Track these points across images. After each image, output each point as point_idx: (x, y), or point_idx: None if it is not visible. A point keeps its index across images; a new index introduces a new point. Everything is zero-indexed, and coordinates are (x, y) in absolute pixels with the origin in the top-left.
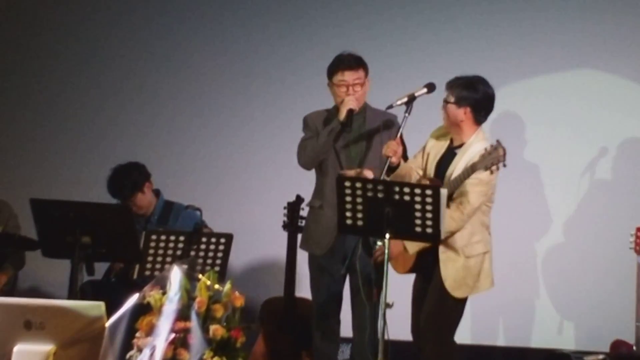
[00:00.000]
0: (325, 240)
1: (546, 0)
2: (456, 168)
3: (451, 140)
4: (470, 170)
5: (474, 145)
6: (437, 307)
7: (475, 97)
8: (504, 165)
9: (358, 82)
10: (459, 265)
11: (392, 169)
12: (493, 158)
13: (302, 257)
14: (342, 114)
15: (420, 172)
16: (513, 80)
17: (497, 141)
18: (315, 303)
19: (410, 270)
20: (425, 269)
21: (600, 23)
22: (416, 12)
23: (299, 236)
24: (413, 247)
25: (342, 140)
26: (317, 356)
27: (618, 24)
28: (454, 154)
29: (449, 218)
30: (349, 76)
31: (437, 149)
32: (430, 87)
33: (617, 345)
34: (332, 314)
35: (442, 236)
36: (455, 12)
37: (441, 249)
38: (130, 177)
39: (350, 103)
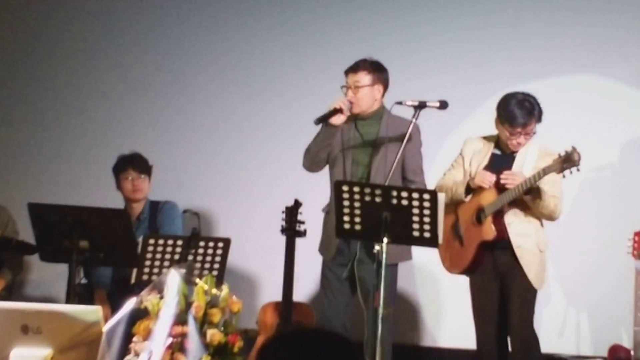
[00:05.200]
0: (331, 245)
1: (547, 6)
2: (522, 169)
3: (496, 146)
4: (543, 173)
5: (531, 146)
6: (526, 303)
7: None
8: (578, 170)
9: (357, 84)
10: (537, 259)
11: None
12: (568, 163)
13: (300, 262)
14: (328, 109)
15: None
16: (513, 84)
17: (573, 147)
18: (323, 306)
19: (466, 271)
20: (491, 269)
21: (602, 28)
22: (415, 16)
23: (297, 241)
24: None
25: (351, 146)
26: None
27: (620, 29)
28: (511, 158)
29: (553, 198)
30: (349, 78)
31: (478, 156)
32: (443, 104)
33: (615, 350)
34: (337, 318)
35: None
36: (454, 17)
37: (514, 244)
38: (147, 161)
39: (338, 103)
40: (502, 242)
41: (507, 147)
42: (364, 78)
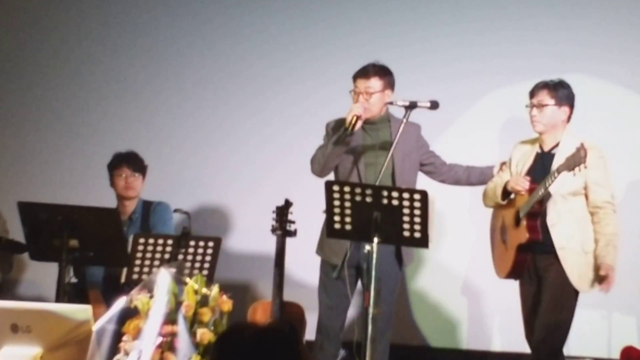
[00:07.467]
0: (342, 249)
1: (540, 6)
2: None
3: (539, 145)
4: (556, 173)
5: (568, 142)
6: (556, 310)
7: (573, 95)
8: (585, 167)
9: (369, 90)
10: (583, 261)
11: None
12: (575, 160)
13: (291, 262)
14: (347, 120)
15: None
16: (506, 84)
17: (581, 144)
18: (322, 305)
19: (511, 274)
20: (532, 273)
21: (595, 27)
22: (413, 17)
23: (288, 240)
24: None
25: (362, 150)
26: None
27: (612, 30)
28: (551, 156)
29: (614, 227)
30: (360, 84)
31: (524, 157)
32: (433, 104)
33: (628, 351)
34: (337, 317)
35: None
36: (448, 17)
37: (557, 246)
38: (142, 160)
39: (355, 109)
40: (544, 246)
41: (545, 144)
42: (376, 84)
